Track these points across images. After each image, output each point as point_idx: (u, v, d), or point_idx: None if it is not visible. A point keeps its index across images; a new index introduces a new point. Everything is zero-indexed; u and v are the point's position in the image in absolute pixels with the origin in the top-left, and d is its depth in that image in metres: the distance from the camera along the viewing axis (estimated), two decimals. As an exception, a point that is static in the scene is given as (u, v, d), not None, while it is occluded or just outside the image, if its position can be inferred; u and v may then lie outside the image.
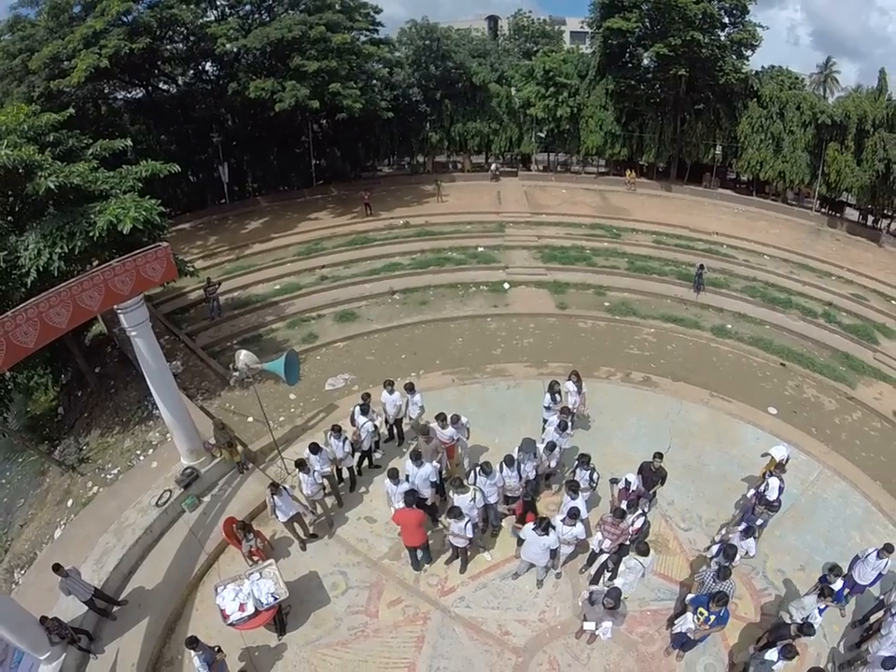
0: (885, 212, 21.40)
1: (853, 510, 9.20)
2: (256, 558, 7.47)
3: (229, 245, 18.64)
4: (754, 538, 7.29)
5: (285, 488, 7.57)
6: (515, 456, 7.59)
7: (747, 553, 7.18)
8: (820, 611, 6.47)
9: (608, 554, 7.04)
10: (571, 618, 7.26)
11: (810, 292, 17.04)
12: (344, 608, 7.38)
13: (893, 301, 17.10)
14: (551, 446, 7.95)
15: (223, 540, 7.98)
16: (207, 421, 10.03)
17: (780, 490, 7.91)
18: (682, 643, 6.69)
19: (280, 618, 7.02)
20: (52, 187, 9.14)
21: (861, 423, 11.79)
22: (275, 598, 6.63)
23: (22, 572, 9.08)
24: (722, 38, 22.49)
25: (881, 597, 7.15)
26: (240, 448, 9.54)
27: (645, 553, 6.63)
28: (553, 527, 6.81)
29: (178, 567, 7.91)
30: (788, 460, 8.72)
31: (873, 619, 7.15)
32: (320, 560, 7.99)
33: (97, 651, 6.86)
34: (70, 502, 10.18)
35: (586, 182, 25.95)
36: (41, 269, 9.16)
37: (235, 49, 18.22)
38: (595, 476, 7.73)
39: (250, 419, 11.00)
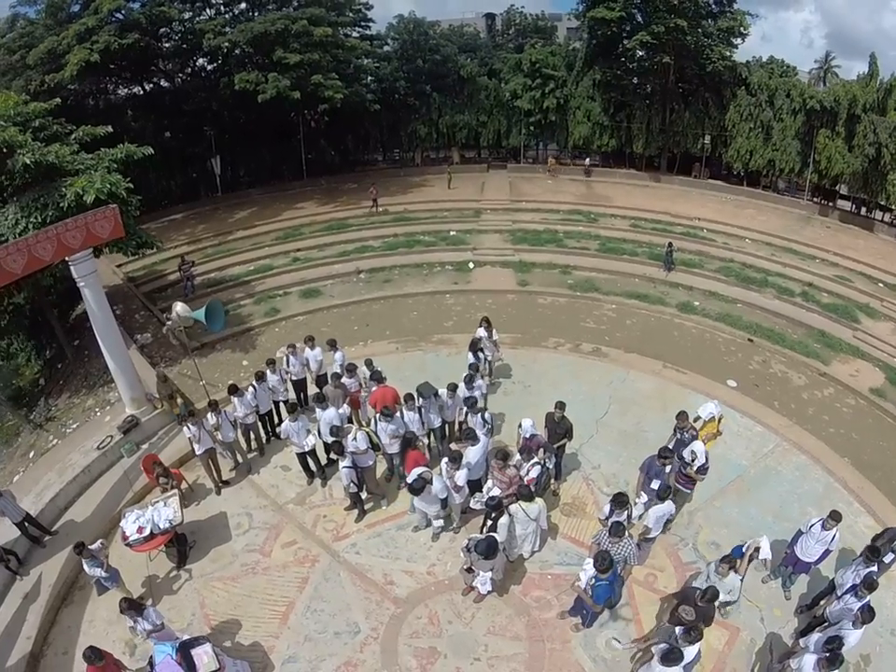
0: (878, 201, 20.67)
1: (812, 485, 8.57)
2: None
3: (214, 233, 19.31)
4: (671, 498, 6.65)
5: (202, 422, 7.97)
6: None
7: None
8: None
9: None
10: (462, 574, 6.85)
11: (790, 273, 16.38)
12: (242, 546, 7.62)
13: (881, 284, 16.22)
14: (452, 387, 7.90)
15: (150, 482, 8.41)
16: (154, 375, 10.57)
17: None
18: (582, 613, 6.14)
19: (182, 550, 7.38)
20: (28, 162, 9.94)
21: (833, 399, 11.31)
22: (171, 524, 6.98)
23: (-19, 514, 9.74)
24: (708, 27, 22.30)
25: (833, 578, 6.20)
26: (180, 401, 10.02)
27: (528, 498, 6.31)
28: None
29: (108, 504, 8.40)
30: (721, 419, 8.31)
31: (823, 603, 6.16)
32: (232, 502, 8.32)
33: (23, 574, 7.36)
34: (32, 454, 10.88)
35: (575, 173, 25.91)
36: (17, 236, 9.90)
37: (226, 45, 19.05)
38: (486, 416, 7.62)
39: (202, 382, 11.50)
